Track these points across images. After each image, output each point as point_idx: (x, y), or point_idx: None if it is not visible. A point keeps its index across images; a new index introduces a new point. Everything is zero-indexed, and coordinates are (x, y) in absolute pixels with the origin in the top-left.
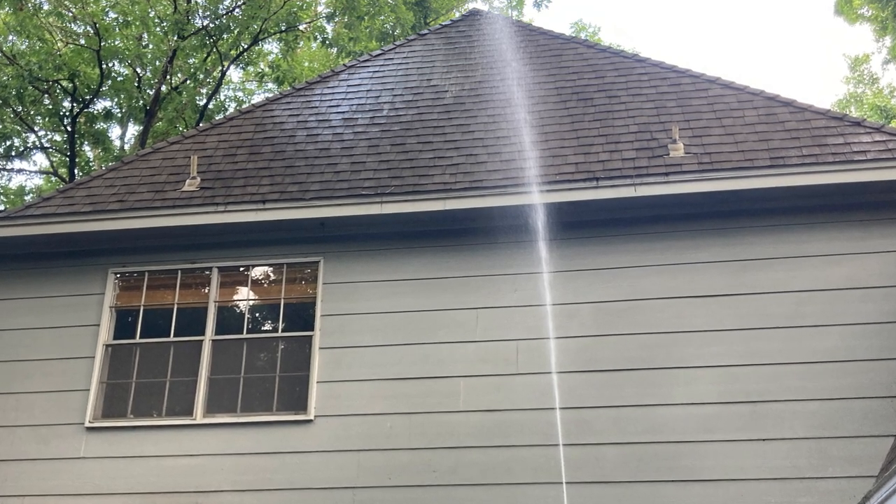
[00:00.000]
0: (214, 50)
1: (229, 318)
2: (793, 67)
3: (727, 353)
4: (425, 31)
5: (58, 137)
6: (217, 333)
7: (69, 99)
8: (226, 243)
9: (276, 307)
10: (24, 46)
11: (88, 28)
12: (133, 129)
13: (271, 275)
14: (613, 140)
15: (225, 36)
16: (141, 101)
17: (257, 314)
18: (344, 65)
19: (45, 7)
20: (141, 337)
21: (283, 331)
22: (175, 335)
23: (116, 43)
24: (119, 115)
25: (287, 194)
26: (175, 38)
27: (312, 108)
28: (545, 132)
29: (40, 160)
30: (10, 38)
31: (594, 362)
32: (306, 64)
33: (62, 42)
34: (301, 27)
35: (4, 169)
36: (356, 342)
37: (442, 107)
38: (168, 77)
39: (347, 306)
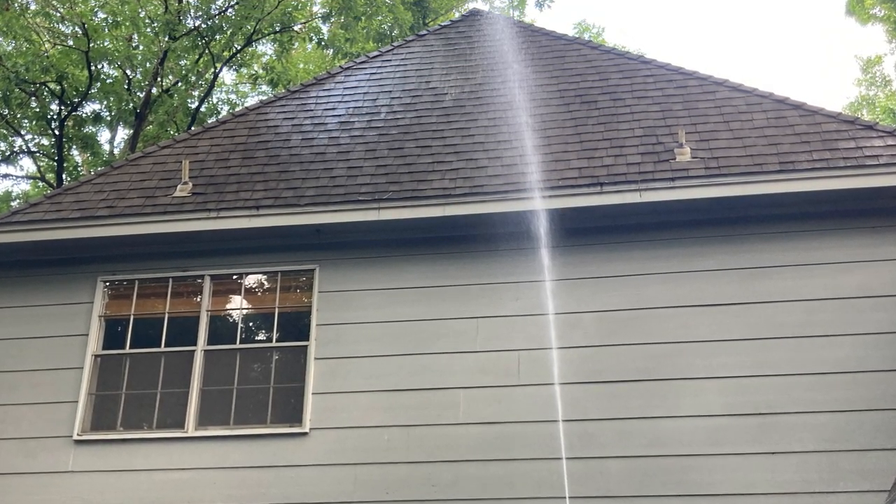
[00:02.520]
0: (207, 51)
1: (222, 328)
2: (803, 69)
3: (735, 363)
4: (424, 32)
5: (45, 141)
6: (209, 343)
7: (57, 102)
8: (218, 251)
9: (270, 316)
10: (10, 48)
11: (77, 29)
12: (123, 133)
13: (265, 283)
14: (618, 144)
15: (217, 37)
16: (131, 104)
17: (251, 323)
18: (340, 66)
19: (32, 7)
20: (131, 347)
21: (277, 341)
22: (166, 345)
23: (106, 44)
24: (108, 118)
25: (281, 200)
26: (166, 39)
27: (308, 111)
28: (548, 136)
29: (27, 165)
30: None
31: (598, 373)
32: (301, 66)
33: (50, 43)
34: (296, 28)
35: None
36: (353, 352)
37: (441, 110)
38: (159, 79)
39: (344, 315)
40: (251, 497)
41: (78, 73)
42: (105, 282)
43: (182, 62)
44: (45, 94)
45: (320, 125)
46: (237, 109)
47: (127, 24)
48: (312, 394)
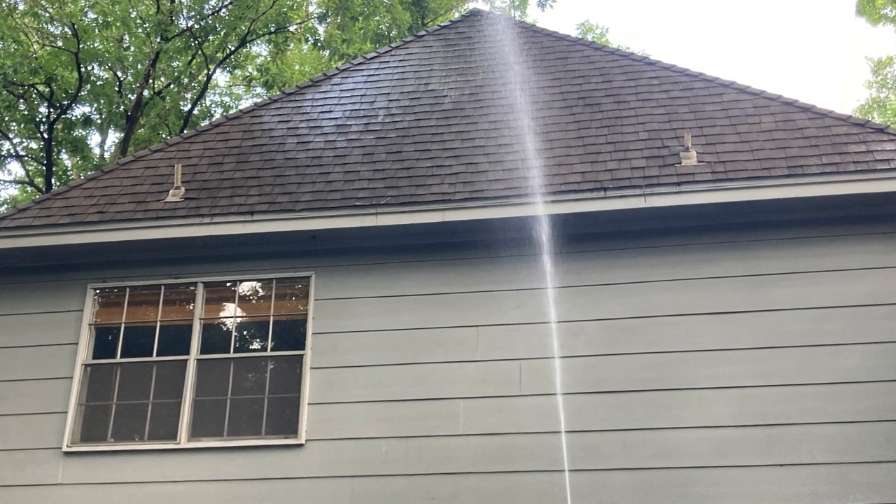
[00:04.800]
0: (199, 52)
1: (215, 337)
2: (812, 71)
3: (742, 373)
4: (423, 33)
5: (34, 145)
6: (202, 352)
7: (46, 104)
8: (212, 257)
9: (264, 325)
10: None
11: (66, 29)
12: (113, 137)
13: (260, 290)
14: (622, 148)
15: (211, 37)
16: (122, 107)
17: (245, 332)
18: (337, 68)
19: (21, 7)
20: (122, 356)
21: (272, 350)
22: (158, 354)
23: (96, 45)
24: (99, 121)
25: (276, 205)
26: (158, 40)
27: (303, 113)
28: (550, 139)
29: (15, 169)
30: None
31: (601, 383)
32: (297, 67)
33: (38, 44)
34: (291, 28)
35: None
36: (350, 362)
37: (440, 112)
38: (150, 81)
39: (340, 324)
40: None
41: (67, 75)
42: (95, 289)
43: (174, 63)
44: (34, 96)
45: (316, 128)
46: (231, 112)
47: (118, 24)
48: (308, 404)
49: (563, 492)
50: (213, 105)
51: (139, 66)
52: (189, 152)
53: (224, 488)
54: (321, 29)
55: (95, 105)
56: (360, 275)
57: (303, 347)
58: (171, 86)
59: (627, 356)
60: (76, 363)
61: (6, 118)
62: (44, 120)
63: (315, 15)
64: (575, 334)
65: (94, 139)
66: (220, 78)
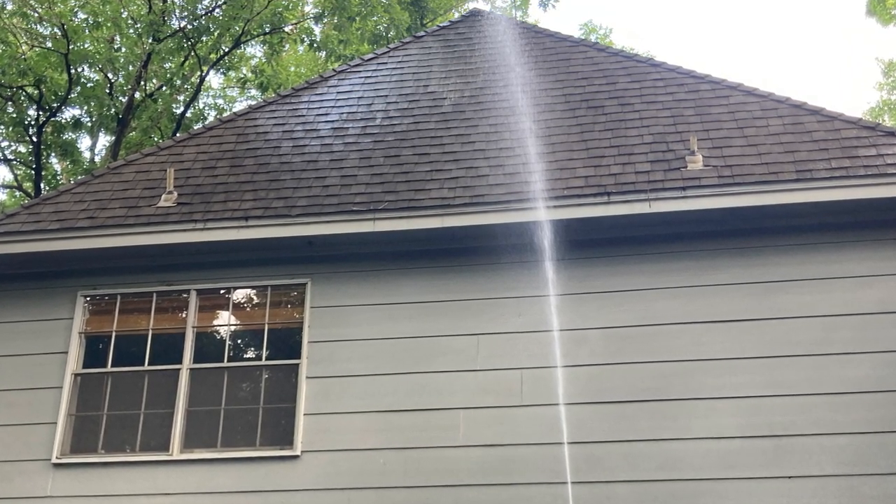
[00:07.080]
0: (192, 53)
1: (209, 345)
2: (821, 73)
3: (749, 382)
4: (422, 33)
5: (22, 148)
6: (195, 361)
7: (35, 107)
8: (205, 264)
9: (259, 333)
10: None
11: (56, 30)
12: (104, 140)
13: (254, 298)
14: (626, 151)
15: (204, 38)
16: (113, 109)
17: (239, 341)
18: (333, 70)
19: (9, 7)
20: (113, 365)
21: (267, 359)
22: (150, 363)
23: (86, 46)
24: (89, 124)
25: (271, 210)
26: (150, 41)
27: (299, 116)
28: (552, 143)
29: (3, 173)
30: None
31: (605, 393)
32: (292, 69)
33: (27, 45)
34: (287, 29)
35: None
36: (346, 371)
37: (440, 115)
38: (142, 83)
39: (337, 332)
40: None
41: (57, 77)
42: (85, 297)
43: (167, 65)
44: (23, 98)
45: (312, 131)
46: (225, 115)
47: (108, 25)
48: (304, 415)
49: None
50: (207, 108)
51: (130, 68)
52: (182, 156)
53: (217, 501)
54: (317, 29)
55: (86, 107)
56: (358, 282)
57: (298, 356)
58: (164, 88)
59: (631, 365)
60: (66, 372)
61: None
62: (33, 123)
63: (311, 15)
64: (578, 343)
65: (84, 142)
66: (214, 80)
